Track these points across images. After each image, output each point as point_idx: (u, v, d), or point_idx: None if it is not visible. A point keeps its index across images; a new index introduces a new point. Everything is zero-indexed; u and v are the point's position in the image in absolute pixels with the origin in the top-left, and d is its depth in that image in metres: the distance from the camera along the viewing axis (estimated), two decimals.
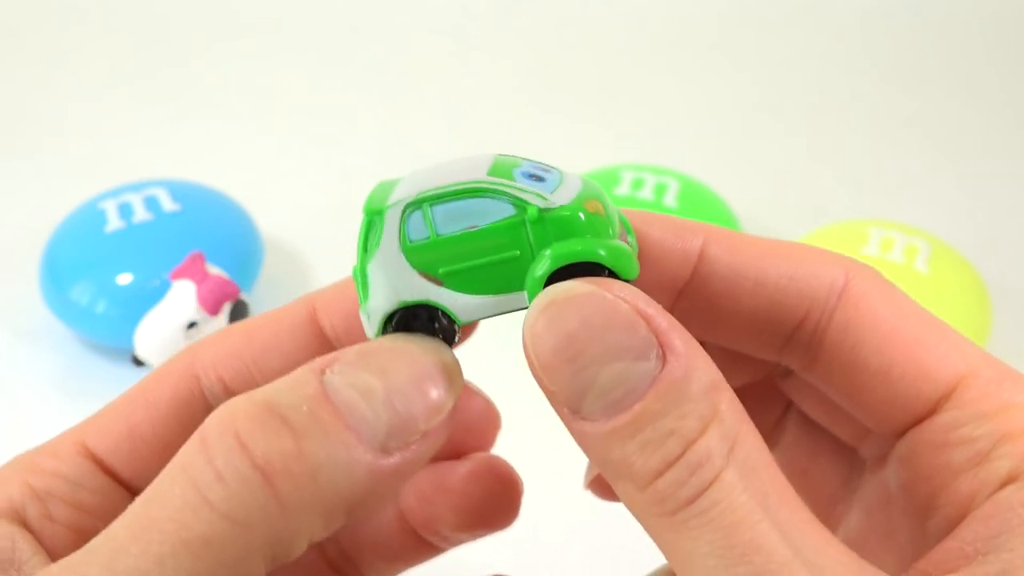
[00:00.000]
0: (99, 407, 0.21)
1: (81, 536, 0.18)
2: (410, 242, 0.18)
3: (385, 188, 0.18)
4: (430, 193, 0.17)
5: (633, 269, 0.18)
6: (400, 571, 0.23)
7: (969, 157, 0.64)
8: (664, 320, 0.17)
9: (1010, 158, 0.64)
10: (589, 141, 0.63)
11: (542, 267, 0.17)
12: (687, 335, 0.17)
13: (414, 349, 0.18)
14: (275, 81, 0.69)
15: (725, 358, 0.19)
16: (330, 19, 0.76)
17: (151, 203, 0.45)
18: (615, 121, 0.66)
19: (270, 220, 0.51)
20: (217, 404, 0.19)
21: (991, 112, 0.68)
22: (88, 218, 0.45)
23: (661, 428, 0.16)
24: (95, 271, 0.43)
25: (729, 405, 0.16)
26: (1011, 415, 0.17)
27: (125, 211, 0.45)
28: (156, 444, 0.20)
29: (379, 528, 0.22)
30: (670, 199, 0.47)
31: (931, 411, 0.18)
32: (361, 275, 0.18)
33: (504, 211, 0.17)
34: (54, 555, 0.18)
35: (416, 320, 0.18)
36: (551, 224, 0.17)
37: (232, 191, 0.49)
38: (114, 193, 0.46)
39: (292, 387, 0.17)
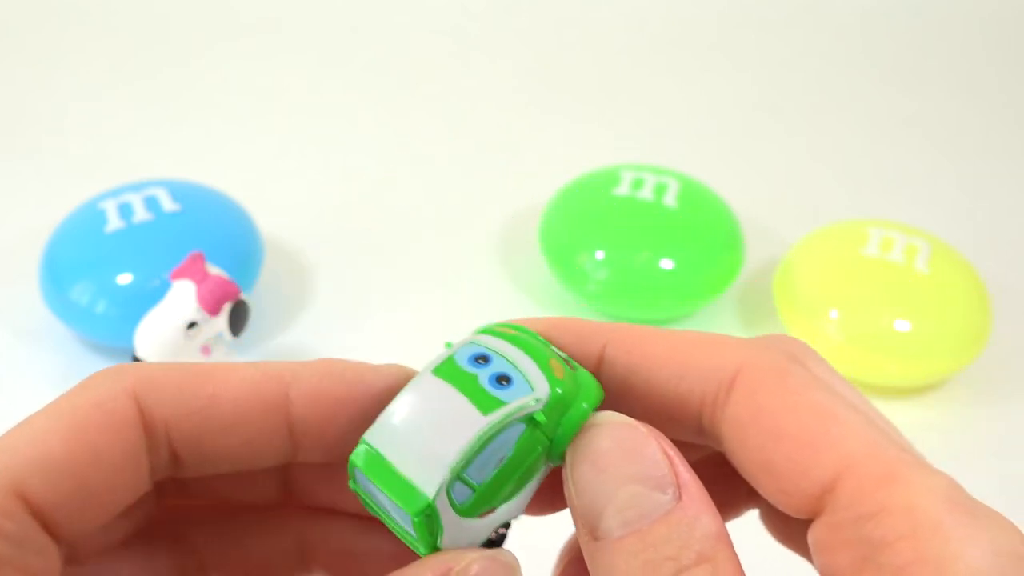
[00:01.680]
0: None
1: None
2: (459, 504, 0.19)
3: (377, 464, 0.19)
4: (459, 463, 0.18)
5: (599, 395, 0.20)
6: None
7: (969, 157, 0.64)
8: (683, 466, 0.18)
9: (1010, 158, 0.64)
10: (589, 141, 0.63)
11: (560, 445, 0.19)
12: (700, 485, 0.18)
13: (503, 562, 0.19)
14: (275, 81, 0.69)
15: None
16: (330, 19, 0.76)
17: (151, 203, 0.45)
18: (615, 121, 0.66)
19: (270, 220, 0.51)
20: (160, 452, 0.19)
21: (991, 112, 0.68)
22: (88, 218, 0.45)
23: (662, 552, 0.17)
24: (95, 271, 0.43)
25: (726, 556, 0.17)
26: (884, 521, 0.17)
27: (125, 211, 0.45)
28: (102, 496, 0.18)
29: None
30: (670, 199, 0.47)
31: (820, 509, 0.18)
32: (433, 549, 0.19)
33: (518, 430, 0.19)
34: None
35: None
36: (552, 417, 0.19)
37: (232, 191, 0.49)
38: (114, 193, 0.46)
39: None
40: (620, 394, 0.20)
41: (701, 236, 0.47)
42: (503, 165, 0.61)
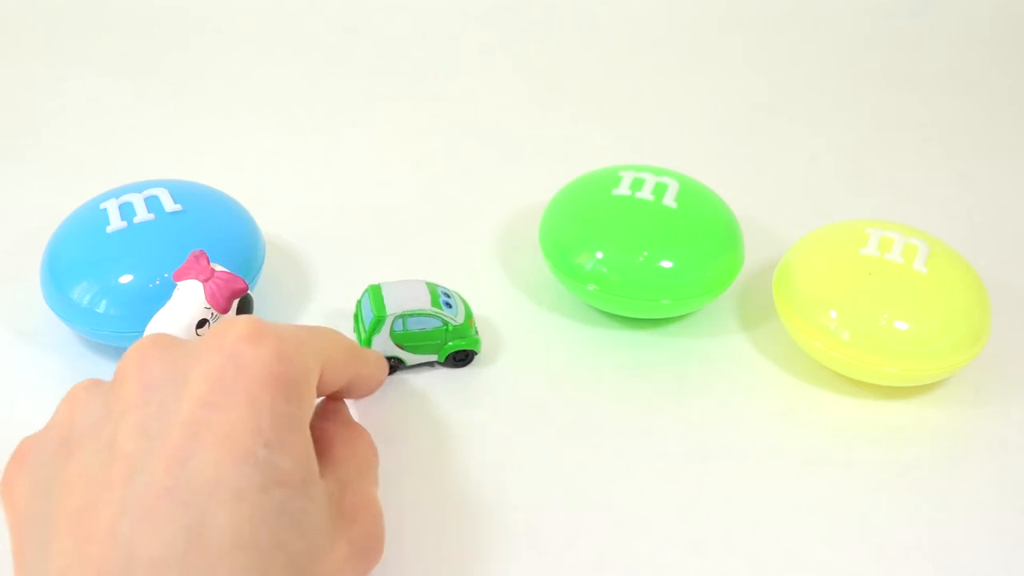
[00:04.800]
0: None
1: None
2: (392, 331, 0.42)
3: (377, 293, 0.42)
4: (406, 311, 0.41)
5: (479, 346, 0.44)
6: None
7: (969, 157, 0.64)
8: None
9: (1010, 158, 0.64)
10: (589, 141, 0.63)
11: (448, 349, 0.43)
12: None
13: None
14: (275, 81, 0.69)
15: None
16: (330, 19, 0.76)
17: (152, 203, 0.45)
18: (615, 121, 0.66)
19: (270, 220, 0.51)
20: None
21: (991, 112, 0.68)
22: (89, 218, 0.45)
23: None
24: (97, 271, 0.43)
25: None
26: None
27: (126, 211, 0.45)
28: (331, 384, 0.36)
29: None
30: (670, 199, 0.47)
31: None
32: (367, 343, 0.42)
33: (437, 322, 0.42)
34: None
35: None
36: (454, 331, 0.42)
37: (232, 191, 0.49)
38: (116, 193, 0.46)
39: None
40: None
41: (701, 236, 0.47)
42: (503, 165, 0.61)
